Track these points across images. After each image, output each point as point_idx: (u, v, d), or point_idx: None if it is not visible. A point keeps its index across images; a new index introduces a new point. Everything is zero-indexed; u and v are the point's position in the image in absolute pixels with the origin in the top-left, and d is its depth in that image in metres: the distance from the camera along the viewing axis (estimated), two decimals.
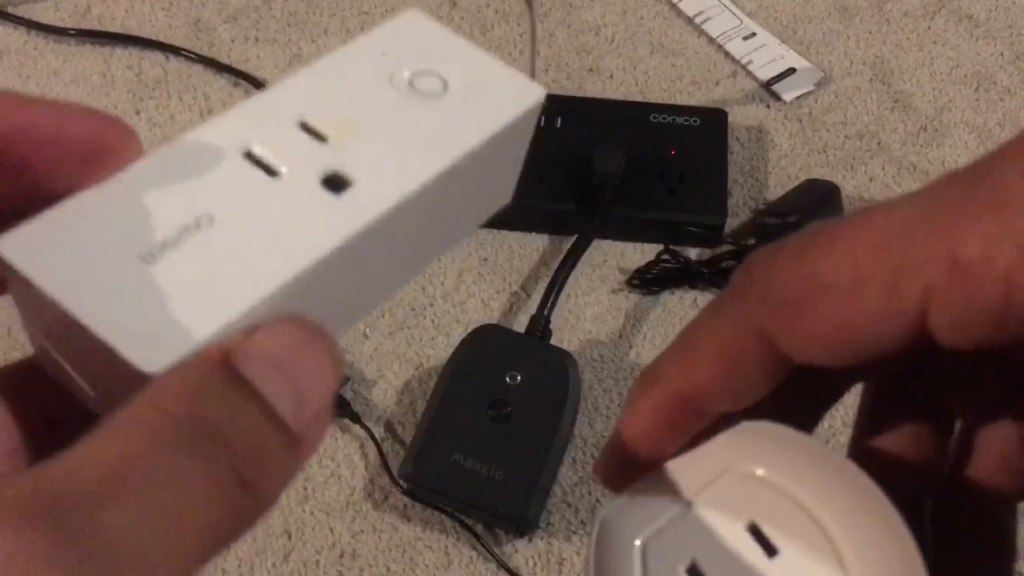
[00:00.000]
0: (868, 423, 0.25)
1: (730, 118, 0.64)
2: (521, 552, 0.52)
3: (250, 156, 0.20)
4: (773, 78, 0.69)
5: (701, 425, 0.22)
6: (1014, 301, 0.17)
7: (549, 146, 0.62)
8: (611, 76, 0.70)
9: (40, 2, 0.72)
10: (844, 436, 0.26)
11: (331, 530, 0.53)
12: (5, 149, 0.19)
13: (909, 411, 0.25)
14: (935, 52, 0.71)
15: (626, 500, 0.23)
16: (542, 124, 0.62)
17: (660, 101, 0.67)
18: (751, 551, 0.21)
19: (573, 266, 0.59)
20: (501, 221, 0.62)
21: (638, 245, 0.62)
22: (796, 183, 0.63)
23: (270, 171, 0.20)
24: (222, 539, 0.16)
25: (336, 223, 0.19)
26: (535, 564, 0.52)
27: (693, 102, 0.68)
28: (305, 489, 0.54)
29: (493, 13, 0.72)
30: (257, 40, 0.71)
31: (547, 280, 0.58)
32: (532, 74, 0.57)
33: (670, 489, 0.22)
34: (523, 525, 0.51)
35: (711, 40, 0.71)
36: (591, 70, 0.70)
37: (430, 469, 0.51)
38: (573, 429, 0.54)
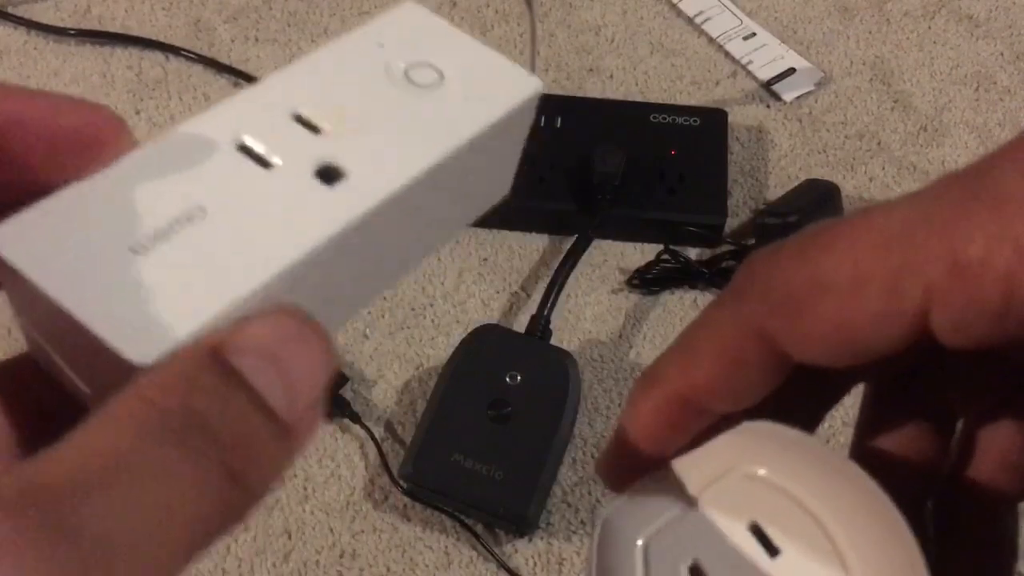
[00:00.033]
0: (869, 423, 0.25)
1: (730, 118, 0.64)
2: (521, 552, 0.52)
3: (243, 148, 0.20)
4: (773, 78, 0.69)
5: (702, 425, 0.22)
6: (1014, 301, 0.18)
7: (549, 146, 0.62)
8: (611, 76, 0.70)
9: (40, 2, 0.72)
10: (844, 436, 0.26)
11: (331, 530, 0.53)
12: None
13: (910, 411, 0.25)
14: (935, 52, 0.71)
15: (628, 500, 0.23)
16: (542, 124, 0.62)
17: (660, 101, 0.67)
18: (753, 551, 0.21)
19: (573, 266, 0.59)
20: (501, 221, 0.62)
21: (638, 245, 0.62)
22: (796, 183, 0.63)
23: (263, 163, 0.20)
24: (212, 531, 0.16)
25: (329, 214, 0.19)
26: (535, 564, 0.52)
27: (693, 102, 0.68)
28: (305, 489, 0.54)
29: (493, 13, 0.72)
30: (257, 40, 0.71)
31: (547, 280, 0.58)
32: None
33: (672, 489, 0.22)
34: (523, 525, 0.51)
35: (711, 40, 0.71)
36: (591, 70, 0.70)
37: (430, 469, 0.51)
38: (573, 429, 0.54)
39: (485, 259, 0.61)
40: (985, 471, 0.24)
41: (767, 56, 0.70)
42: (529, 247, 0.62)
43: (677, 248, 0.60)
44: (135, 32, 0.70)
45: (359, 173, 0.20)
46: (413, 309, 0.59)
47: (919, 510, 0.24)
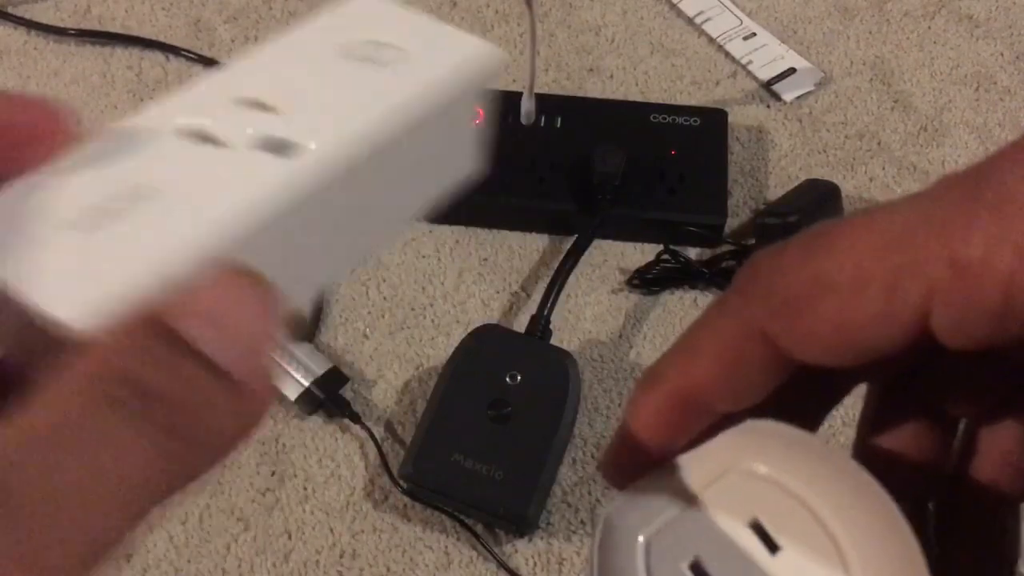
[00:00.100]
0: (871, 423, 0.25)
1: (730, 118, 0.64)
2: (521, 552, 0.52)
3: (192, 130, 0.21)
4: (773, 78, 0.69)
5: (704, 424, 0.22)
6: (1015, 302, 0.18)
7: (549, 146, 0.62)
8: (611, 76, 0.70)
9: (40, 2, 0.72)
10: (844, 436, 0.26)
11: (331, 530, 0.53)
12: None
13: (912, 411, 0.25)
14: (935, 52, 0.71)
15: (629, 498, 0.23)
16: (542, 124, 0.62)
17: (660, 101, 0.67)
18: (754, 548, 0.21)
19: (573, 266, 0.59)
20: (501, 221, 0.62)
21: (638, 245, 0.62)
22: (796, 183, 0.63)
23: (214, 142, 0.21)
24: (161, 494, 0.16)
25: (280, 182, 0.20)
26: (535, 564, 0.52)
27: (693, 102, 0.68)
28: (305, 489, 0.54)
29: (493, 13, 0.72)
30: (257, 40, 0.71)
31: (547, 280, 0.58)
32: (532, 74, 0.57)
33: (673, 487, 0.22)
34: (523, 525, 0.51)
35: (711, 40, 0.71)
36: (591, 70, 0.70)
37: (430, 469, 0.51)
38: (573, 429, 0.54)
39: (485, 259, 0.61)
40: (986, 471, 0.24)
41: (767, 56, 0.70)
42: (529, 247, 0.62)
43: (677, 248, 0.60)
44: (135, 32, 0.70)
45: (312, 146, 0.20)
46: (413, 309, 0.59)
47: (920, 510, 0.24)
